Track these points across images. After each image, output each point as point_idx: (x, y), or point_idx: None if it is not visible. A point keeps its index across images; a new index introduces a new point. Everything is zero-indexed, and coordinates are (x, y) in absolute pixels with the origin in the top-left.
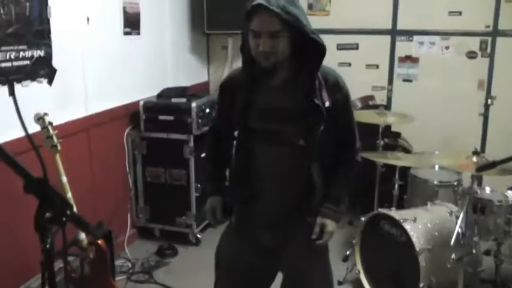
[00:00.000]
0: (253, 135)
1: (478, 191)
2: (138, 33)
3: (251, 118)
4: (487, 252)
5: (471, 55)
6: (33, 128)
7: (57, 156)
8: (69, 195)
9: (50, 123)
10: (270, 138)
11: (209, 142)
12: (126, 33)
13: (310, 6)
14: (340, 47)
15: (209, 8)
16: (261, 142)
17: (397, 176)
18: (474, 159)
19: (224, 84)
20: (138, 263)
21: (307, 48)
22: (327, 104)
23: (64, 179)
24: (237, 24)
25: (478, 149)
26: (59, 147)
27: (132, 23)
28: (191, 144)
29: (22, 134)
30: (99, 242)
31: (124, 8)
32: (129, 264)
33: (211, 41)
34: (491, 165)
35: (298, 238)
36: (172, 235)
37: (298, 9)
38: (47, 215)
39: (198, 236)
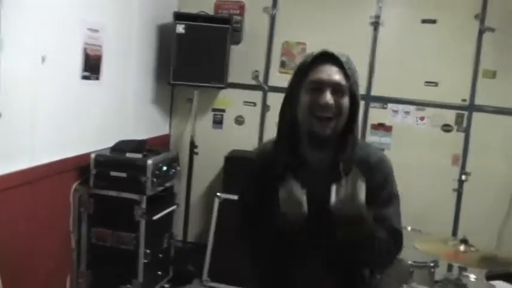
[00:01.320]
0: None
1: (464, 281)
2: (97, 78)
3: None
4: None
5: (446, 128)
6: None
7: None
8: None
9: None
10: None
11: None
12: (84, 77)
13: (282, 64)
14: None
15: (177, 57)
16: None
17: None
18: (461, 247)
19: (256, 160)
20: None
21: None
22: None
23: None
24: (206, 77)
25: (465, 237)
26: None
27: (92, 66)
28: (143, 205)
29: None
30: None
31: (85, 49)
32: None
33: (176, 92)
34: (504, 275)
35: None
36: None
37: (355, 69)
38: None
39: None
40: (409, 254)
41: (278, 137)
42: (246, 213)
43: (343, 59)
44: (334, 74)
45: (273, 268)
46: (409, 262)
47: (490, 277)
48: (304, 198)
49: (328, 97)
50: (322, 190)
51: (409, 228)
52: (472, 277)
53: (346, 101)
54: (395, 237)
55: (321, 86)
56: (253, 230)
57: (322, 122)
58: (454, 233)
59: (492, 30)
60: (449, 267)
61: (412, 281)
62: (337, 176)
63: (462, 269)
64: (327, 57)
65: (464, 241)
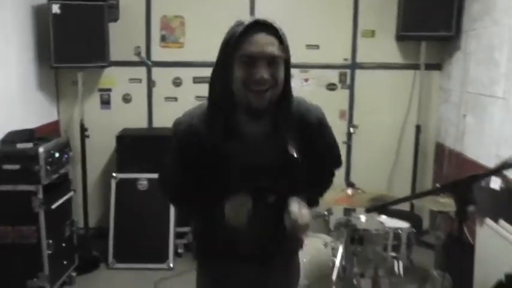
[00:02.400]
0: (226, 193)
1: (354, 221)
2: None
3: (226, 177)
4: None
5: (331, 87)
6: None
7: None
8: None
9: None
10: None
11: (183, 200)
12: None
13: (162, 38)
14: (197, 80)
15: (56, 39)
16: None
17: None
18: (349, 191)
19: (183, 135)
20: None
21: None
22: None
23: None
24: (88, 57)
25: (351, 181)
26: None
27: None
28: (40, 195)
29: None
30: None
31: None
32: None
33: (60, 75)
34: (380, 207)
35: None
36: None
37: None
38: None
39: None
40: None
41: (210, 110)
42: (173, 177)
43: (275, 25)
44: (268, 45)
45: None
46: None
47: (368, 210)
48: (248, 209)
49: (264, 71)
50: (258, 160)
51: None
52: (363, 218)
53: (281, 70)
54: (329, 178)
55: (254, 60)
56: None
57: (259, 95)
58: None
59: None
60: (346, 213)
61: (309, 231)
62: (274, 145)
63: (352, 210)
64: (258, 23)
65: (350, 184)
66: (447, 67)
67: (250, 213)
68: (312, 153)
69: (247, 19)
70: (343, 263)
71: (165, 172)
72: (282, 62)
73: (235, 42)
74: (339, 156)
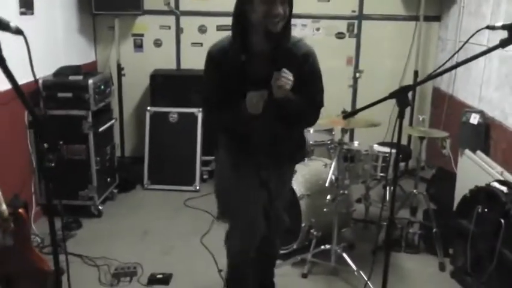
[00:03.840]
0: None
1: (348, 144)
2: (32, 13)
3: (247, 85)
4: (359, 200)
5: (340, 36)
6: None
7: None
8: None
9: None
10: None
11: (217, 114)
12: (22, 13)
13: None
14: (219, 28)
15: None
16: None
17: None
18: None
19: (216, 53)
20: (46, 237)
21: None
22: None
23: None
24: (124, 5)
25: (345, 109)
26: None
27: (26, 2)
28: (89, 119)
29: None
30: (20, 211)
31: None
32: (39, 239)
33: (98, 21)
34: (353, 112)
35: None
36: (75, 209)
37: None
38: None
39: (100, 207)
40: (310, 136)
41: (234, 36)
42: (211, 94)
43: None
44: None
45: (237, 124)
46: (310, 142)
47: (344, 117)
48: (264, 99)
49: (280, 8)
50: (265, 69)
51: None
52: (356, 142)
53: (287, 7)
54: (316, 109)
55: (273, 0)
56: (219, 106)
57: (275, 23)
58: None
59: None
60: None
61: (313, 156)
62: (277, 59)
63: (344, 132)
64: None
65: (344, 112)
66: (445, 19)
67: (265, 104)
68: (298, 80)
69: None
70: (336, 176)
71: (204, 90)
72: (287, 1)
73: None
74: (321, 92)
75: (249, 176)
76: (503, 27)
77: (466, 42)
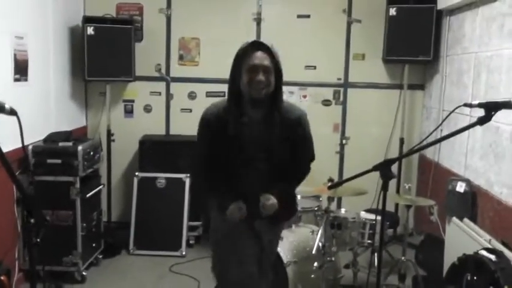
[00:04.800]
0: (238, 162)
1: (335, 212)
2: (26, 80)
3: (241, 148)
4: (347, 266)
5: (326, 103)
6: None
7: None
8: None
9: None
10: (250, 163)
11: (204, 177)
12: (16, 80)
13: (180, 57)
14: (209, 94)
15: (89, 56)
16: (244, 166)
17: None
18: (329, 184)
19: (210, 120)
20: None
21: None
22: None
23: None
24: (116, 72)
25: (331, 177)
26: None
27: (21, 70)
28: (77, 185)
29: None
30: (1, 278)
31: (15, 55)
32: None
33: (89, 87)
34: (338, 183)
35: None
36: (58, 275)
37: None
38: None
39: (84, 273)
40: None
41: (229, 103)
42: (201, 157)
43: (269, 45)
44: (263, 59)
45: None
46: (298, 208)
47: (330, 187)
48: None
49: (261, 76)
50: (259, 133)
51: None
52: (343, 210)
53: (272, 76)
54: (304, 172)
55: (255, 68)
56: (207, 170)
57: (258, 90)
58: None
59: (359, 21)
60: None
61: (300, 222)
62: (270, 123)
63: (331, 199)
64: (258, 45)
65: (330, 180)
66: (429, 87)
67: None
68: (291, 141)
69: (250, 40)
70: (322, 242)
71: (195, 158)
72: (273, 71)
73: (243, 56)
74: (312, 150)
75: (242, 227)
76: (480, 105)
77: (444, 120)
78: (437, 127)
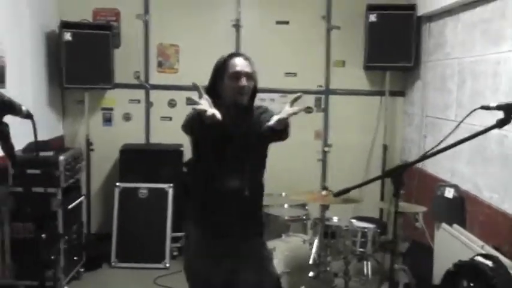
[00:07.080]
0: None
1: (328, 220)
2: (4, 87)
3: (221, 144)
4: (335, 274)
5: (308, 110)
6: None
7: None
8: None
9: None
10: (231, 164)
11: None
12: None
13: (159, 64)
14: (189, 102)
15: (67, 63)
16: (225, 167)
17: None
18: (324, 192)
19: (194, 115)
20: None
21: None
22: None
23: None
24: (95, 79)
25: (325, 184)
26: None
27: None
28: (59, 196)
29: None
30: None
31: None
32: None
33: (66, 95)
34: (346, 190)
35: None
36: None
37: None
38: None
39: None
40: (285, 211)
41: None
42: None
43: (246, 55)
44: (245, 66)
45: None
46: (286, 217)
47: (336, 194)
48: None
49: (244, 82)
50: (239, 130)
51: (283, 194)
52: (335, 218)
53: (252, 82)
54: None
55: (239, 75)
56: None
57: (242, 96)
58: None
59: (338, 28)
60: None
61: (289, 232)
62: (248, 123)
63: (326, 207)
64: (236, 55)
65: (324, 188)
66: (410, 94)
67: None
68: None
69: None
70: (318, 252)
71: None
72: (252, 77)
73: (224, 64)
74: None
75: (213, 246)
76: (498, 107)
77: (461, 121)
78: (456, 127)
